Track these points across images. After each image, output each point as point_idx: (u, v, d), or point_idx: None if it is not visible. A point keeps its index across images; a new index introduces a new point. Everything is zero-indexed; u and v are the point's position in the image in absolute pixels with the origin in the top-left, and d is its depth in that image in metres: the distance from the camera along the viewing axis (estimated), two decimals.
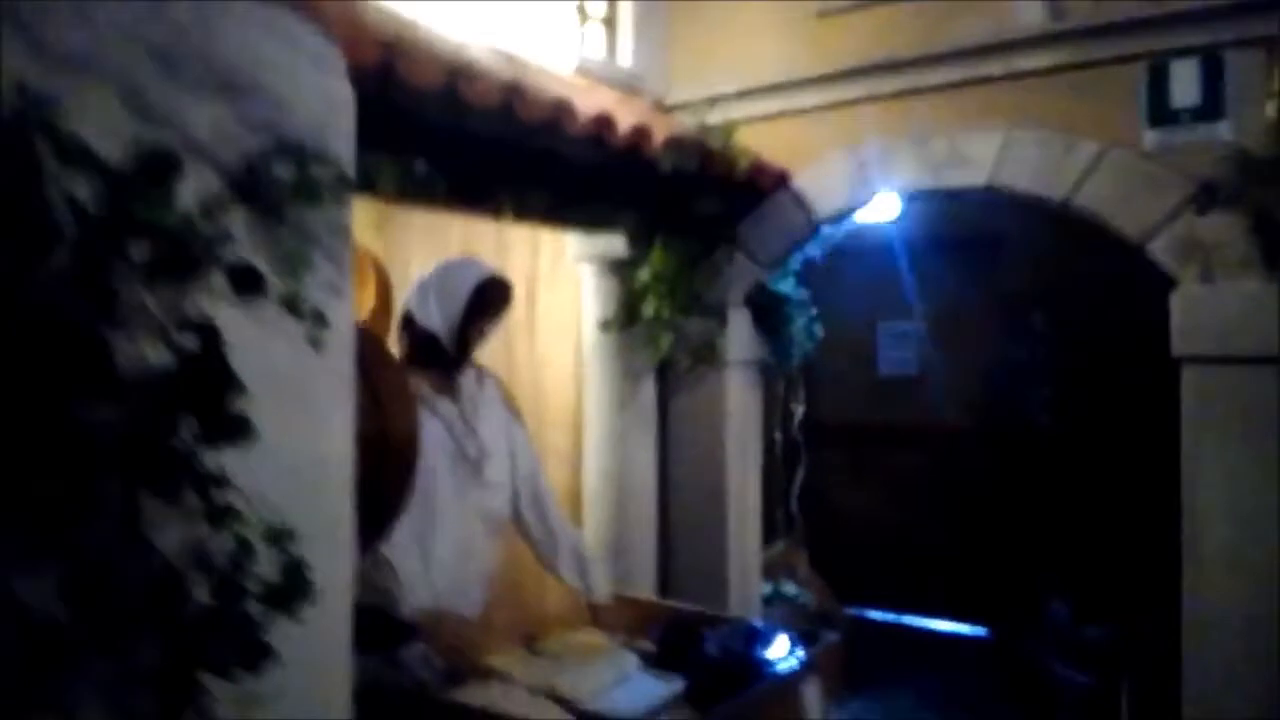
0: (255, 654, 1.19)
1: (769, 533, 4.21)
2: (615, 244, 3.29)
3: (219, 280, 1.27)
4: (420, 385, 2.34)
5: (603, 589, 2.53)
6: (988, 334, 5.10)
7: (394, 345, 2.44)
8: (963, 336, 5.14)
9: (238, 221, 1.31)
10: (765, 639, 2.28)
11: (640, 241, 3.23)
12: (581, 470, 3.49)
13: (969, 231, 4.77)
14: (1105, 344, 4.37)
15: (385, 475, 1.72)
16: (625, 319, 3.32)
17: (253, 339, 1.37)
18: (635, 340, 3.35)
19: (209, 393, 1.23)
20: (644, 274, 3.22)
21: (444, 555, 2.32)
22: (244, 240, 1.31)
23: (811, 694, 2.20)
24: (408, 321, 2.39)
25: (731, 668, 2.19)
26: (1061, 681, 4.07)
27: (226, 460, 1.25)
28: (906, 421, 5.34)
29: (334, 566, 1.57)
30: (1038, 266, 4.82)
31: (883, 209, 3.61)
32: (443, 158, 2.54)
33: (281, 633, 1.32)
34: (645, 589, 3.31)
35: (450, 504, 2.32)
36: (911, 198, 3.40)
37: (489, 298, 2.38)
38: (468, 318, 2.34)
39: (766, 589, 4.23)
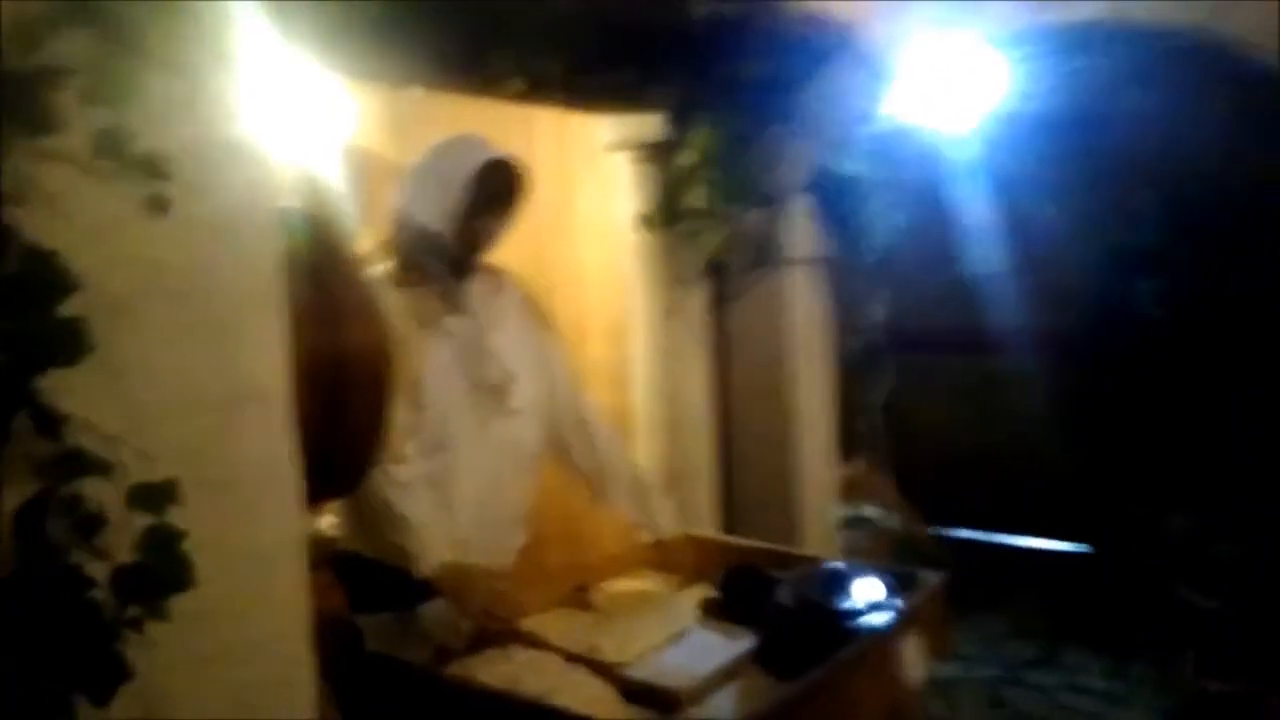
0: (102, 676, 0.80)
1: (846, 451, 3.81)
2: (652, 125, 2.80)
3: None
4: (420, 299, 1.94)
5: (669, 523, 2.15)
6: (1090, 220, 4.49)
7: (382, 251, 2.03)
8: (1061, 225, 4.54)
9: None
10: (850, 584, 1.85)
11: (681, 120, 2.74)
12: (629, 391, 3.07)
13: (1066, 107, 4.15)
14: (1227, 225, 3.76)
15: (350, 403, 1.31)
16: (667, 214, 2.85)
17: (91, 207, 0.96)
18: (680, 239, 2.88)
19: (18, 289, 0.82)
20: (685, 158, 2.72)
21: (466, 499, 1.96)
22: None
23: (911, 654, 1.78)
24: (399, 222, 1.97)
25: (810, 621, 1.78)
26: (1183, 605, 3.60)
27: (78, 391, 0.87)
28: (997, 323, 4.78)
29: (277, 522, 1.19)
30: (1144, 141, 4.18)
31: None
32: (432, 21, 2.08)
33: (213, 609, 1.00)
34: (704, 523, 2.91)
35: (470, 439, 1.95)
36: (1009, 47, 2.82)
37: (496, 186, 1.95)
38: (471, 211, 1.91)
39: (844, 512, 3.85)
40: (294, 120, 2.84)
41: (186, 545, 0.89)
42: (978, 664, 3.73)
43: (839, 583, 1.86)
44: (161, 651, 0.98)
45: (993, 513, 4.83)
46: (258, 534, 1.15)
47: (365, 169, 2.43)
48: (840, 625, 1.75)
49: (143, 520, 0.94)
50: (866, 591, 1.84)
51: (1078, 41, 3.53)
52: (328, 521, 2.09)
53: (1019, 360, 4.71)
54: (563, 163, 3.21)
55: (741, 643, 1.80)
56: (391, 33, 2.18)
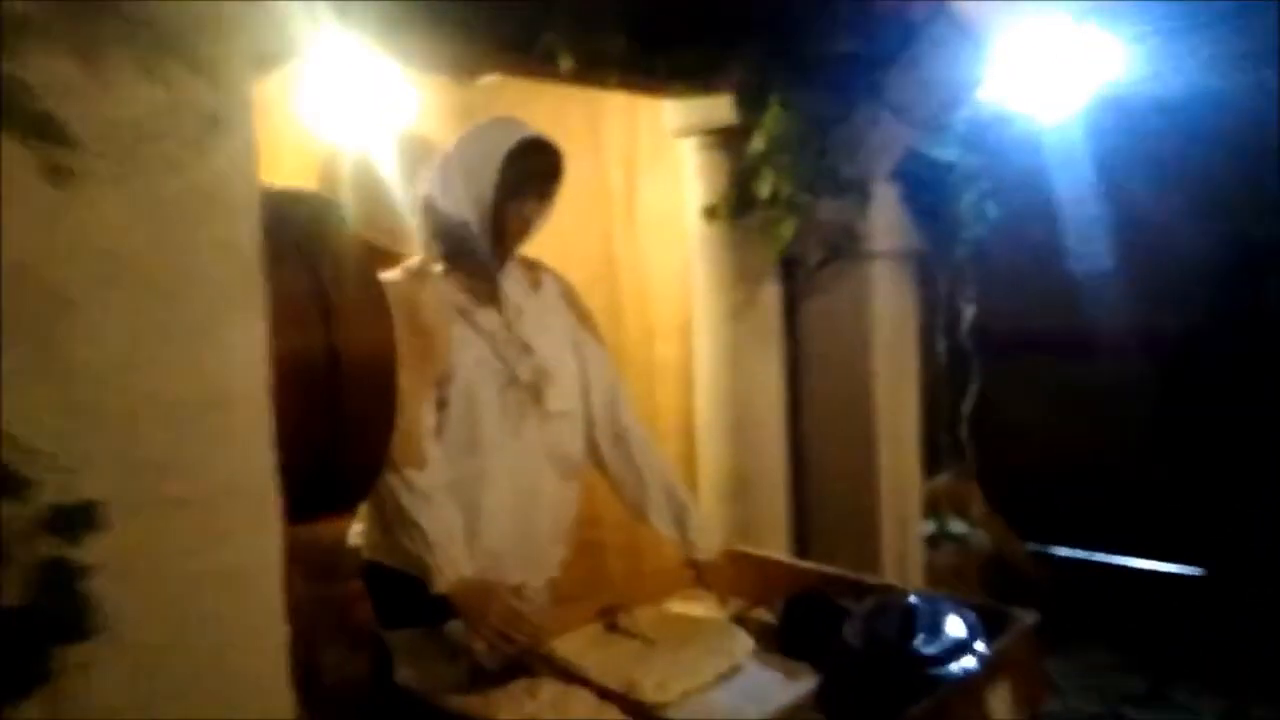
0: None
1: (932, 462, 3.55)
2: (721, 108, 2.58)
3: None
4: (450, 293, 1.79)
5: (707, 542, 1.95)
6: (1212, 213, 4.10)
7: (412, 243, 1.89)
8: (1177, 218, 4.16)
9: None
10: (929, 621, 1.62)
11: (752, 102, 2.51)
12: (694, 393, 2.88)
13: (1183, 88, 3.79)
14: None
15: (348, 409, 1.15)
16: (737, 203, 2.63)
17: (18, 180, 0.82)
18: (751, 230, 2.66)
19: None
20: (757, 143, 2.50)
21: (497, 508, 1.81)
22: None
23: (999, 705, 1.54)
24: (426, 211, 1.83)
25: (881, 664, 1.56)
26: None
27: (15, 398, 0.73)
28: (1104, 324, 4.42)
29: (252, 541, 1.03)
30: (1272, 125, 3.78)
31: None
32: None
33: (173, 641, 0.87)
34: (773, 538, 2.69)
35: (502, 443, 1.80)
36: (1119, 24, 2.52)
37: (531, 170, 1.78)
38: (504, 197, 1.75)
39: (930, 527, 3.59)
40: (348, 107, 2.74)
41: (92, 583, 0.73)
42: (1076, 699, 3.42)
43: (917, 619, 1.63)
44: (115, 690, 0.84)
45: (1096, 530, 4.47)
46: (226, 555, 1.00)
47: (423, 157, 2.31)
48: (916, 670, 1.53)
49: (68, 551, 0.79)
50: (948, 630, 1.61)
51: (1196, 17, 3.20)
52: (355, 530, 1.97)
53: (1125, 365, 4.38)
54: (630, 152, 3.04)
55: (801, 684, 1.60)
56: (448, 17, 2.04)
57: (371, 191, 2.60)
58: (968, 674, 1.52)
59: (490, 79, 3.28)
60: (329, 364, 1.20)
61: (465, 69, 2.73)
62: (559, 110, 3.12)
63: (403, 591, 1.75)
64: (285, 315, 1.10)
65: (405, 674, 1.84)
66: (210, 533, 0.99)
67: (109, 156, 0.90)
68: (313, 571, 2.57)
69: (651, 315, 3.02)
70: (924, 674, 1.52)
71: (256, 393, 1.03)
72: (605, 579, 2.92)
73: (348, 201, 2.92)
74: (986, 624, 1.64)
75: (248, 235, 1.04)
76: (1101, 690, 3.49)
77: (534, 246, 1.91)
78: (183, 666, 0.95)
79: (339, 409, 1.21)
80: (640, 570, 2.86)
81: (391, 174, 2.26)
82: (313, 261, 1.21)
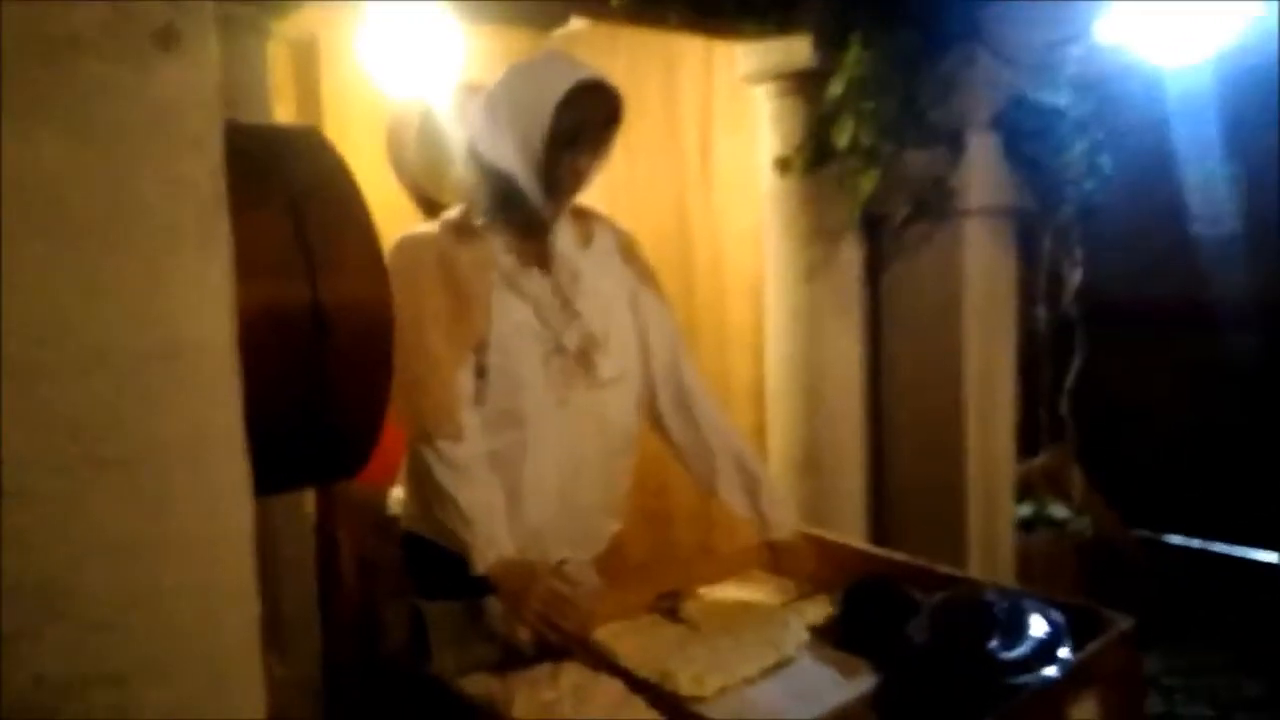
0: None
1: (1030, 441, 3.31)
2: (798, 50, 2.38)
3: None
4: (493, 252, 1.66)
5: (783, 520, 1.80)
6: None
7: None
8: None
9: None
10: (1010, 619, 1.43)
11: (831, 42, 2.30)
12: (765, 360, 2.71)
13: None
14: None
15: (338, 368, 1.03)
16: (813, 154, 2.42)
17: None
18: (828, 184, 2.45)
19: None
20: (836, 87, 2.28)
21: (541, 482, 1.70)
22: None
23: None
24: (469, 160, 1.69)
25: (949, 667, 1.38)
26: None
27: None
28: (1226, 294, 4.03)
29: (214, 508, 0.93)
30: None
31: None
32: None
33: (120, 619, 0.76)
34: (845, 519, 2.51)
35: (545, 413, 1.68)
36: None
37: (586, 115, 1.62)
38: (556, 146, 1.59)
39: (1025, 510, 3.35)
40: (412, 59, 2.64)
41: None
42: (1185, 702, 3.15)
43: (995, 616, 1.44)
44: (51, 660, 0.75)
45: (1210, 518, 4.13)
46: (173, 522, 0.89)
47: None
48: (989, 675, 1.34)
49: None
50: (1031, 631, 1.41)
51: None
52: (395, 498, 1.88)
53: (1248, 339, 3.99)
54: (706, 105, 2.88)
55: (858, 683, 1.43)
56: None
57: (438, 146, 2.51)
58: (1048, 683, 1.32)
59: (565, 30, 3.16)
60: (313, 320, 1.07)
61: (540, 21, 2.61)
62: (634, 63, 2.99)
63: (442, 563, 1.65)
64: (263, 264, 0.99)
65: (441, 649, 1.76)
66: (153, 497, 0.89)
67: (39, 81, 0.79)
68: (374, 531, 2.53)
69: (725, 276, 2.87)
70: (998, 680, 1.33)
71: (216, 344, 0.91)
72: (670, 554, 2.81)
73: (416, 156, 2.86)
74: (1075, 626, 1.44)
75: (205, 172, 0.91)
76: (1213, 693, 3.22)
77: (605, 204, 1.78)
78: (128, 642, 0.85)
79: (324, 369, 1.08)
80: (711, 544, 2.72)
81: (455, 127, 2.15)
82: (299, 208, 1.09)
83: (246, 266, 0.93)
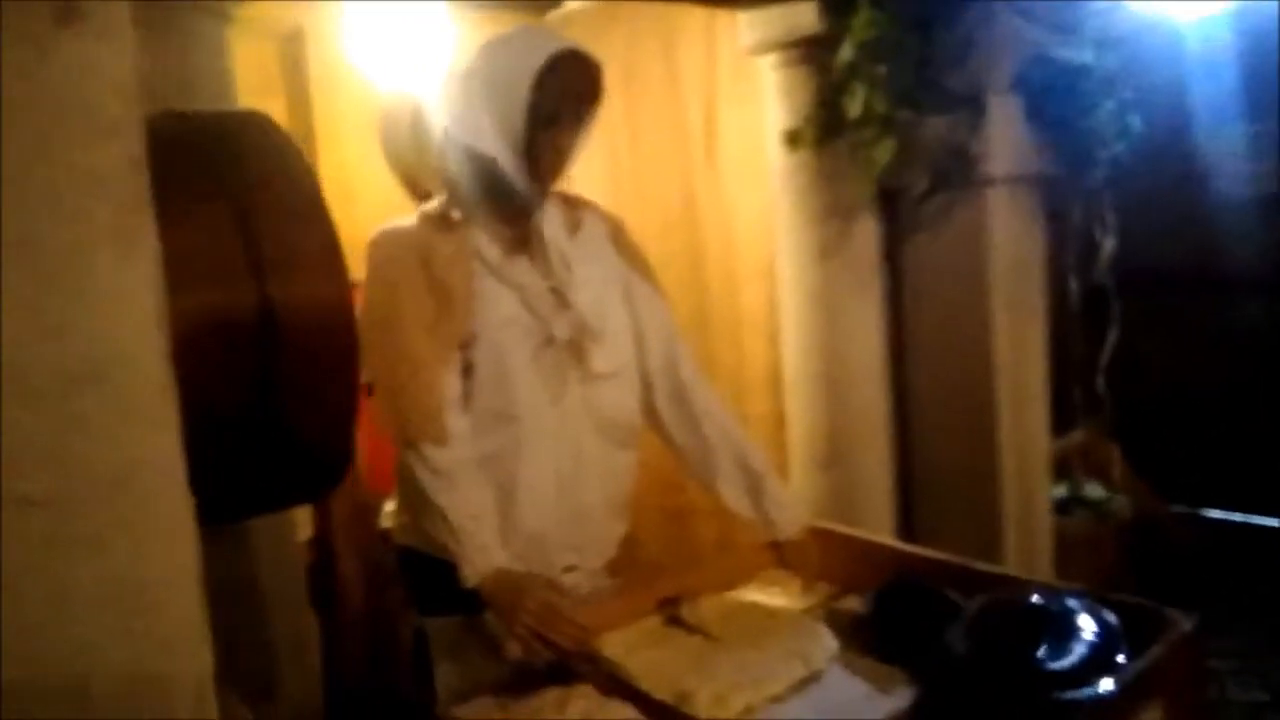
0: None
1: (1064, 418, 3.15)
2: (803, 15, 2.24)
3: None
4: (476, 240, 1.56)
5: (786, 517, 1.69)
6: None
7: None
8: None
9: None
10: (1057, 625, 1.30)
11: (839, 5, 2.15)
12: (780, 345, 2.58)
13: None
14: None
15: (284, 380, 0.93)
16: (824, 125, 2.28)
17: None
18: (841, 157, 2.31)
19: None
20: (846, 52, 2.14)
21: (536, 484, 1.59)
22: None
23: None
24: (445, 144, 1.59)
25: (993, 680, 1.25)
26: None
27: None
28: (1270, 260, 3.86)
29: (147, 545, 0.82)
30: None
31: None
32: None
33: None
34: (873, 511, 2.38)
35: (539, 410, 1.58)
36: None
37: (566, 88, 1.51)
38: (536, 124, 1.48)
39: (1062, 491, 3.21)
40: (398, 48, 2.53)
41: None
42: (1238, 686, 3.01)
43: (1042, 621, 1.31)
44: None
45: (1254, 492, 3.95)
46: (106, 564, 0.78)
47: None
48: (1038, 690, 1.21)
49: None
50: (1083, 636, 1.28)
51: None
52: (388, 511, 1.77)
53: None
54: (710, 82, 2.75)
55: (892, 700, 1.31)
56: None
57: (433, 137, 2.40)
58: (1105, 698, 1.19)
59: (559, 11, 3.04)
60: (261, 325, 0.96)
61: (534, 2, 2.49)
62: (632, 43, 2.86)
63: (438, 576, 1.55)
64: (201, 266, 0.88)
65: (443, 668, 1.65)
66: (80, 538, 0.77)
67: None
68: (378, 545, 2.43)
69: (736, 260, 2.74)
70: (1047, 694, 1.21)
71: (142, 360, 0.80)
72: (686, 554, 2.69)
73: (410, 147, 2.75)
74: (1132, 628, 1.30)
75: (123, 163, 0.80)
76: (1265, 677, 3.08)
77: (609, 193, 1.66)
78: (59, 705, 0.74)
79: (277, 376, 0.97)
80: (732, 539, 2.61)
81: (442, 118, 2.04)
82: (241, 201, 0.97)
83: (182, 269, 0.82)
